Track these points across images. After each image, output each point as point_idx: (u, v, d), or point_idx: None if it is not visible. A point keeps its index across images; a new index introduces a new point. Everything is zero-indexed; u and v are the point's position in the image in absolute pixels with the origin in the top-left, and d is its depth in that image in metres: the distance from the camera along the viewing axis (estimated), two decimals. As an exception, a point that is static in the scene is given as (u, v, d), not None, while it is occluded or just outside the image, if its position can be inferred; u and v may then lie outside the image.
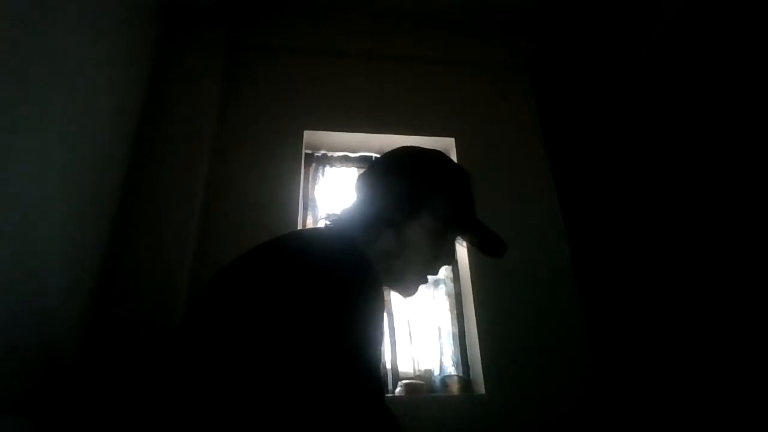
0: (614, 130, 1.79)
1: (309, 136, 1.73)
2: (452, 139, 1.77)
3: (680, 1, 1.51)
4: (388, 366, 1.45)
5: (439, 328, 1.55)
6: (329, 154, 1.79)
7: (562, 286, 1.55)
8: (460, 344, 1.52)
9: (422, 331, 1.54)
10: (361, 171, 0.95)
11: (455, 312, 1.57)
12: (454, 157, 1.78)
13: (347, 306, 0.60)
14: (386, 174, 0.86)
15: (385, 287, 0.85)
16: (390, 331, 1.50)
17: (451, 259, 0.89)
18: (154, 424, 0.61)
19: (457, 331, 1.54)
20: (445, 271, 1.63)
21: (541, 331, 1.46)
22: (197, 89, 1.59)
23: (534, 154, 1.79)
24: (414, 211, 0.81)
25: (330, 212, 0.88)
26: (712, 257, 1.30)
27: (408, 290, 0.86)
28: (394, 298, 1.54)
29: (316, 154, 1.78)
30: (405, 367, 1.47)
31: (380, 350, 0.63)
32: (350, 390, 0.56)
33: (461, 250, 1.64)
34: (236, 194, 1.55)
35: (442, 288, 1.61)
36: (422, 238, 0.82)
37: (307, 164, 1.75)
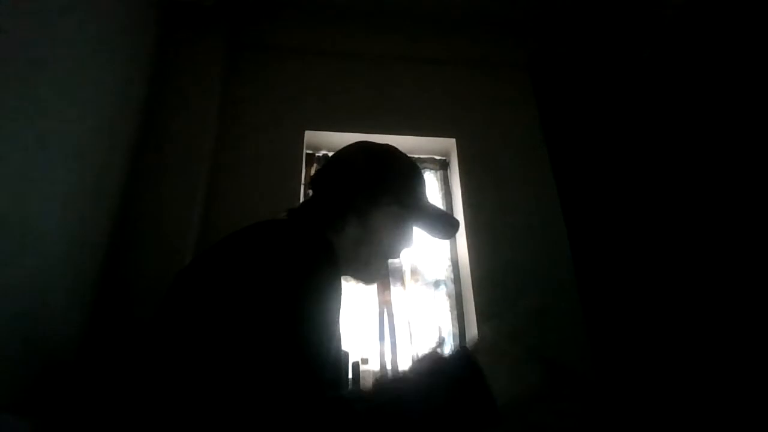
0: (615, 130, 1.79)
1: (310, 136, 1.73)
2: (453, 140, 1.77)
3: (681, 1, 1.51)
4: (388, 366, 1.44)
5: (439, 328, 1.54)
6: (330, 154, 1.79)
7: (562, 286, 1.55)
8: (460, 344, 1.52)
9: (422, 331, 1.54)
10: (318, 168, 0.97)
11: (455, 312, 1.57)
12: (454, 158, 1.78)
13: (297, 289, 0.57)
14: (347, 166, 0.90)
15: (349, 277, 0.88)
16: (390, 331, 1.49)
17: (411, 243, 0.92)
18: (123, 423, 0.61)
19: (457, 331, 1.54)
20: (445, 272, 1.63)
21: (541, 331, 1.46)
22: (198, 89, 1.59)
23: (535, 155, 1.79)
24: (379, 198, 0.85)
25: (290, 207, 0.90)
26: (713, 256, 1.30)
27: (373, 277, 0.90)
28: (394, 297, 1.54)
29: (317, 154, 1.78)
30: (405, 367, 1.47)
31: (331, 335, 0.61)
32: (286, 378, 0.52)
33: (462, 250, 1.65)
34: (237, 195, 1.54)
35: (442, 289, 1.61)
36: (387, 223, 0.86)
37: (308, 165, 1.75)
